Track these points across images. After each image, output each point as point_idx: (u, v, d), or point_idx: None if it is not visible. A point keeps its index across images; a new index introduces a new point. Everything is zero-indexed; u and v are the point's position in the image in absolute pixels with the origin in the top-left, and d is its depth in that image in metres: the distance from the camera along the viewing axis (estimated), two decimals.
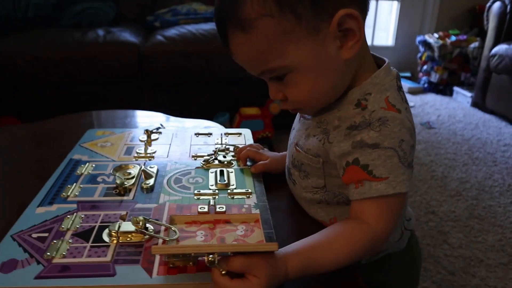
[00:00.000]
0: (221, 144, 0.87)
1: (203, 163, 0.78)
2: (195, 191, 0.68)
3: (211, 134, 0.93)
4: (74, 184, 0.70)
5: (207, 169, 0.77)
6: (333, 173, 0.59)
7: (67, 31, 2.05)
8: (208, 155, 0.81)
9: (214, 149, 0.84)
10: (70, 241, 0.55)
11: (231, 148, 0.84)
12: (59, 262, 0.51)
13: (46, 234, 0.57)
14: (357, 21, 0.50)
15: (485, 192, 1.80)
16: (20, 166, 0.83)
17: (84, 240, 0.56)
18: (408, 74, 3.41)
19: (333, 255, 0.51)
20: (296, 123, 0.68)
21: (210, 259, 0.45)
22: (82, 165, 0.77)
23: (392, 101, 0.54)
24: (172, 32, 2.01)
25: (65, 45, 1.93)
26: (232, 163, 0.79)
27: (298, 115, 0.68)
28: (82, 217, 0.61)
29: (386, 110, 0.53)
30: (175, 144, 0.88)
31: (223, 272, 0.46)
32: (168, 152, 0.84)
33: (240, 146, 0.83)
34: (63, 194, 0.67)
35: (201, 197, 0.67)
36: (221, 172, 0.75)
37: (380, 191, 0.52)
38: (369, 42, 3.44)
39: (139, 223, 0.56)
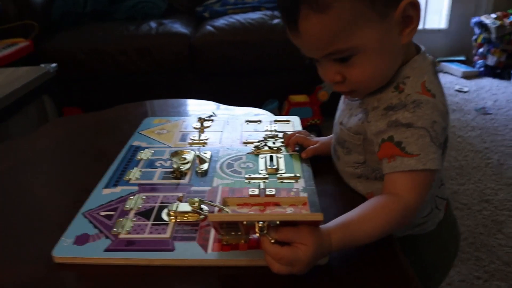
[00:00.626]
0: (271, 131, 0.90)
1: (254, 149, 0.82)
2: (246, 175, 0.72)
3: (260, 121, 0.96)
4: (135, 168, 0.76)
5: (257, 155, 0.80)
6: (372, 150, 0.62)
7: (122, 24, 2.15)
8: (258, 142, 0.84)
9: (264, 135, 0.87)
10: (133, 219, 0.61)
11: (280, 135, 0.86)
12: (124, 237, 0.57)
13: (112, 213, 0.62)
14: (417, 10, 0.55)
15: None
16: (84, 152, 0.90)
17: (146, 219, 0.61)
18: (462, 58, 3.27)
19: (369, 227, 0.54)
20: (341, 104, 0.72)
21: (260, 225, 0.48)
22: (142, 151, 0.82)
23: (428, 85, 0.58)
24: (221, 22, 2.06)
25: (120, 38, 2.03)
26: (281, 149, 0.82)
27: (342, 97, 0.71)
28: (144, 198, 0.66)
29: (421, 94, 0.57)
30: (227, 131, 0.91)
31: (272, 241, 0.49)
32: (221, 139, 0.88)
33: (289, 133, 0.85)
34: (126, 177, 0.73)
35: (252, 181, 0.71)
36: (271, 158, 0.78)
37: (410, 166, 0.55)
38: (420, 26, 3.33)
39: (195, 204, 0.61)
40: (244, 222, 0.51)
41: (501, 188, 1.67)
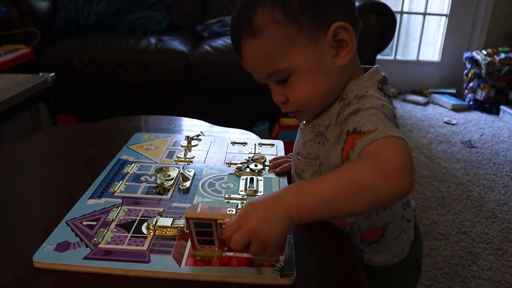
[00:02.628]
0: (254, 153, 0.94)
1: (236, 170, 0.86)
2: (226, 195, 0.76)
3: (246, 143, 1.00)
4: (121, 181, 0.79)
5: (239, 176, 0.84)
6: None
7: (123, 37, 2.20)
8: (241, 163, 0.88)
9: (247, 157, 0.91)
10: (114, 230, 0.64)
11: (267, 158, 0.90)
12: (104, 247, 0.60)
13: (94, 223, 0.66)
14: (349, 33, 0.59)
15: None
16: (74, 161, 0.94)
17: (126, 231, 0.64)
18: (453, 91, 3.36)
19: (333, 177, 0.50)
20: (297, 135, 0.75)
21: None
22: (129, 165, 0.86)
23: (370, 92, 0.60)
24: (219, 42, 2.12)
25: (119, 51, 2.08)
26: (262, 172, 0.85)
27: (299, 129, 0.75)
28: (126, 211, 0.69)
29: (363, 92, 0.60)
30: (212, 151, 0.95)
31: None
32: (206, 158, 0.91)
33: (273, 156, 0.90)
34: (111, 189, 0.76)
35: (231, 201, 0.74)
36: (251, 180, 0.81)
37: (371, 139, 0.51)
38: (414, 57, 3.45)
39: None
40: (218, 221, 0.53)
41: (479, 221, 1.72)
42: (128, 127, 1.15)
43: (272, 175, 0.84)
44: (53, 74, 1.49)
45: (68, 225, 0.65)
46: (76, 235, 0.62)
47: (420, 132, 2.65)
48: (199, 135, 1.01)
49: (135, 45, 2.09)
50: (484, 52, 3.01)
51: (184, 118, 1.23)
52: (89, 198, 0.73)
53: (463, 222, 1.71)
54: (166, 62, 2.02)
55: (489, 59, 2.91)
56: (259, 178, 0.83)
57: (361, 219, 0.67)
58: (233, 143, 1.00)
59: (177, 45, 2.10)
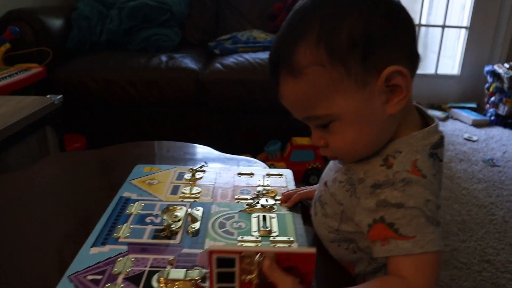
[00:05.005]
0: (264, 185, 0.90)
1: (246, 206, 0.81)
2: (239, 238, 0.71)
3: (253, 174, 0.95)
4: (125, 224, 0.74)
5: (250, 213, 0.79)
6: (348, 223, 0.60)
7: (134, 55, 2.19)
8: (251, 199, 0.84)
9: (257, 191, 0.86)
10: (122, 285, 0.59)
11: (278, 191, 0.86)
12: None
13: (100, 277, 0.60)
14: (405, 78, 0.52)
15: None
16: (76, 196, 0.90)
17: (135, 285, 0.59)
18: (473, 105, 3.25)
19: None
20: (331, 161, 0.69)
21: (257, 258, 0.49)
22: (132, 204, 0.81)
23: (420, 165, 0.54)
24: (230, 60, 2.08)
25: (130, 69, 2.06)
26: (274, 207, 0.81)
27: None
28: (133, 260, 0.64)
29: (410, 173, 0.53)
30: (218, 184, 0.90)
31: None
32: (212, 193, 0.87)
33: (282, 188, 0.87)
34: (115, 234, 0.71)
35: (244, 244, 0.69)
36: (264, 218, 0.77)
37: (407, 250, 0.51)
38: (433, 70, 3.36)
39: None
40: (242, 254, 0.51)
41: (503, 248, 1.63)
42: (133, 155, 1.12)
43: (285, 211, 0.80)
44: (60, 96, 1.47)
45: (71, 281, 0.60)
46: None
47: None
48: (203, 165, 0.97)
49: (146, 64, 2.08)
50: (507, 65, 2.91)
51: (188, 144, 1.19)
52: (92, 246, 0.68)
53: (486, 249, 1.62)
54: (177, 80, 1.99)
55: (511, 72, 2.81)
56: (272, 215, 0.78)
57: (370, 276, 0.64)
58: (240, 174, 0.95)
59: (188, 63, 2.08)
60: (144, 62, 2.09)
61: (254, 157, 2.06)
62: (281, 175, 0.96)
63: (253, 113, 2.08)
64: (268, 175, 0.95)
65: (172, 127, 2.11)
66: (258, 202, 0.82)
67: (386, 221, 0.53)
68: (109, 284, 0.59)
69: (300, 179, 2.02)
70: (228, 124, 2.10)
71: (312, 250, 0.49)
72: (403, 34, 0.53)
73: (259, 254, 0.50)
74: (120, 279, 0.60)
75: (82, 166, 1.06)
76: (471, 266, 1.52)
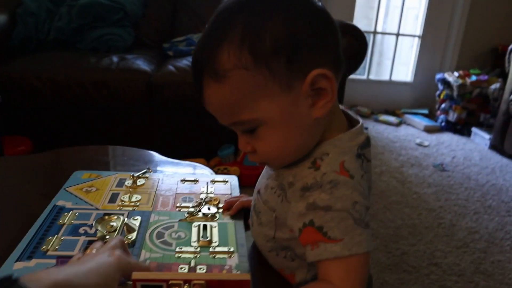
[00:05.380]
0: (207, 193, 0.86)
1: (187, 215, 0.77)
2: (177, 248, 0.67)
3: (197, 181, 0.92)
4: (56, 236, 0.69)
5: (191, 222, 0.75)
6: (282, 229, 0.59)
7: (84, 55, 2.10)
8: (193, 207, 0.80)
9: (199, 199, 0.83)
10: None
11: (221, 199, 0.83)
12: None
13: None
14: (330, 81, 0.51)
15: (494, 245, 1.73)
16: (5, 205, 0.84)
17: None
18: (425, 112, 3.36)
19: None
20: (263, 170, 0.68)
21: (186, 287, 0.47)
22: (65, 213, 0.75)
23: (347, 166, 0.53)
24: (184, 62, 2.03)
25: (79, 69, 1.97)
26: (216, 216, 0.77)
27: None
28: None
29: (338, 174, 0.53)
30: (160, 191, 0.86)
31: None
32: (153, 201, 0.82)
33: (226, 195, 0.84)
34: (43, 247, 0.65)
35: (182, 255, 0.65)
36: (204, 227, 0.73)
37: (335, 253, 0.51)
38: (387, 77, 3.44)
39: None
40: (169, 282, 0.48)
41: (450, 251, 1.67)
42: (73, 160, 1.06)
43: (228, 219, 0.76)
44: None
45: None
46: None
47: (392, 154, 2.61)
48: (146, 172, 0.92)
49: (96, 64, 1.99)
50: (456, 74, 3.02)
51: (132, 149, 1.13)
52: (16, 261, 0.62)
53: (434, 252, 1.65)
54: (128, 82, 1.92)
55: (460, 81, 2.91)
56: (213, 224, 0.75)
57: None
58: (183, 180, 0.92)
59: (140, 64, 2.01)
60: (94, 62, 2.01)
61: (208, 161, 2.02)
62: (226, 181, 0.93)
63: (206, 117, 2.02)
64: (213, 181, 0.92)
65: (123, 130, 2.03)
66: (200, 211, 0.79)
67: (316, 225, 0.52)
68: None
69: (254, 183, 2.00)
70: (181, 128, 2.05)
71: (246, 276, 0.47)
72: (328, 38, 0.53)
73: (187, 284, 0.47)
74: None
75: (17, 172, 0.99)
76: (420, 269, 1.54)
